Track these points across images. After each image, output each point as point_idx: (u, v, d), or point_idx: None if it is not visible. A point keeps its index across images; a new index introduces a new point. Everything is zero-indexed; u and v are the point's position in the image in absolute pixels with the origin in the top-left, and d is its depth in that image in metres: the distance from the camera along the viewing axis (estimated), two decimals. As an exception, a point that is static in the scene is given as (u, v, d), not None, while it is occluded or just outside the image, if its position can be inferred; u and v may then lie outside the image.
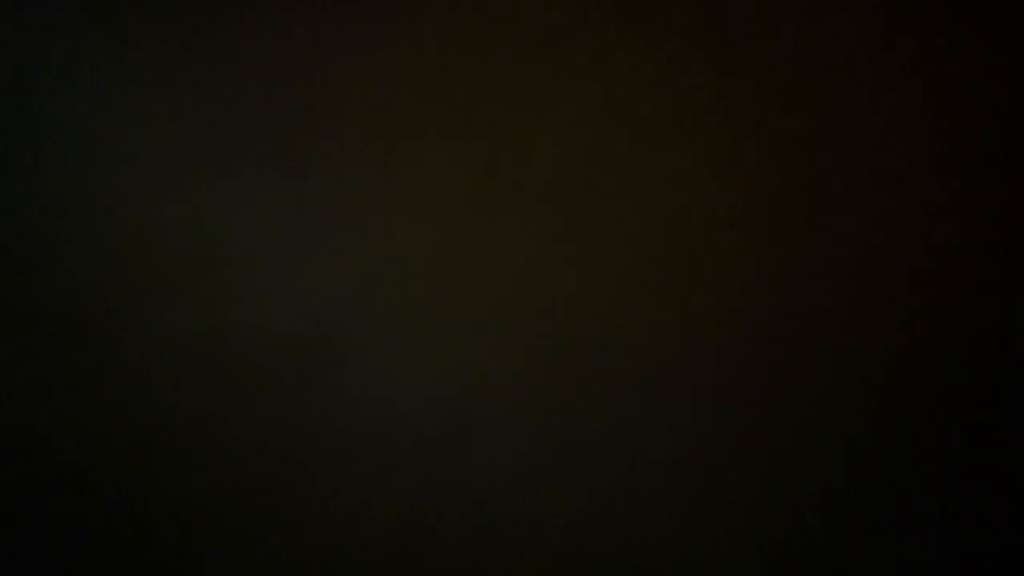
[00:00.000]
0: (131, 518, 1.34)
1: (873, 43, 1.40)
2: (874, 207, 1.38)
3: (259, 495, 1.34)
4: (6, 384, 1.36)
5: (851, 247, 1.37)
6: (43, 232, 1.38)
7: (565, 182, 1.38)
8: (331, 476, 1.35)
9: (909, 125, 1.39)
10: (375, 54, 1.41)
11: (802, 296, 1.37)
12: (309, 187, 1.38)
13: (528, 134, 1.39)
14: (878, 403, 1.35)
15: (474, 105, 1.40)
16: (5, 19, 1.41)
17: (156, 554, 1.34)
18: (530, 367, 1.36)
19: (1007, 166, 1.38)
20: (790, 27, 1.40)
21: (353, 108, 1.40)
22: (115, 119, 1.40)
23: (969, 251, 1.37)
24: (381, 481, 1.35)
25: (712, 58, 1.40)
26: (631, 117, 1.39)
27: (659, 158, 1.39)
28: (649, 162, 1.39)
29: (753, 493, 1.34)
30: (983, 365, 1.36)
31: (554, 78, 1.40)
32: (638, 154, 1.39)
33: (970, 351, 1.36)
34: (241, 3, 1.41)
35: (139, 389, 1.36)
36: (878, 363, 1.36)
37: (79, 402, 1.36)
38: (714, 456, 1.35)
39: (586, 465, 1.35)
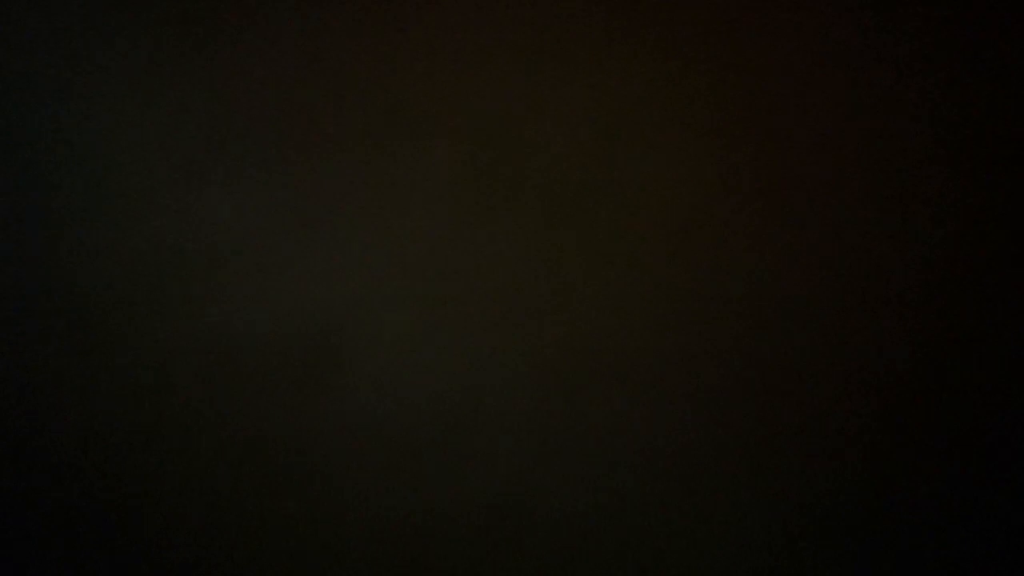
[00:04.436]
0: (132, 517, 1.34)
1: (873, 43, 1.40)
2: (875, 207, 1.38)
3: (260, 494, 1.34)
4: (7, 385, 1.36)
5: (852, 248, 1.37)
6: (43, 234, 1.38)
7: (564, 182, 1.38)
8: (331, 475, 1.35)
9: (909, 125, 1.39)
10: (374, 55, 1.41)
11: (803, 296, 1.37)
12: (309, 188, 1.38)
13: (527, 135, 1.39)
14: (878, 403, 1.35)
15: (473, 106, 1.39)
16: (5, 19, 1.41)
17: (157, 554, 1.34)
18: (530, 367, 1.36)
19: (1007, 166, 1.38)
20: (790, 28, 1.40)
21: (352, 110, 1.39)
22: (115, 121, 1.40)
23: (970, 251, 1.37)
24: (381, 480, 1.35)
25: (712, 59, 1.40)
26: (631, 118, 1.39)
27: (659, 159, 1.39)
28: (649, 162, 1.39)
29: (753, 493, 1.34)
30: (984, 365, 1.35)
31: (554, 79, 1.40)
32: (638, 154, 1.39)
33: (971, 351, 1.36)
34: (241, 5, 1.41)
35: (139, 390, 1.36)
36: (878, 363, 1.36)
37: (79, 403, 1.36)
38: (714, 456, 1.35)
39: (586, 465, 1.35)
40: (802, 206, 1.38)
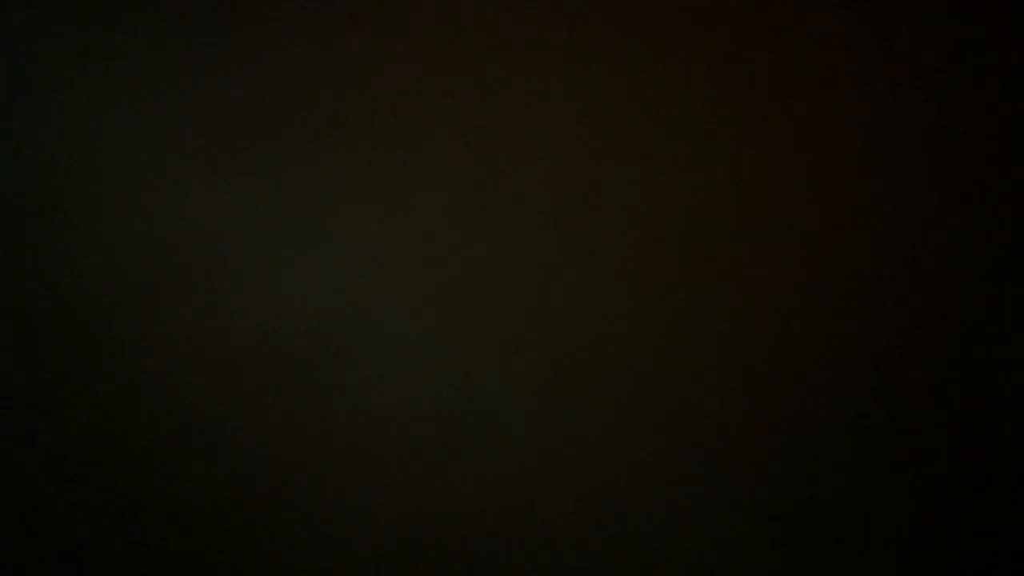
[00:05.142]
0: (132, 518, 1.34)
1: (873, 43, 1.40)
2: (874, 207, 1.38)
3: (260, 495, 1.34)
4: (7, 386, 1.36)
5: (851, 248, 1.37)
6: (44, 235, 1.38)
7: (565, 182, 1.38)
8: (332, 476, 1.35)
9: (909, 124, 1.39)
10: (375, 56, 1.41)
11: (802, 296, 1.37)
12: (310, 189, 1.38)
13: (527, 135, 1.39)
14: (878, 403, 1.35)
15: (475, 106, 1.40)
16: (5, 19, 1.41)
17: (157, 554, 1.34)
18: (531, 367, 1.36)
19: (1007, 166, 1.38)
20: (789, 27, 1.40)
21: (353, 110, 1.40)
22: (116, 121, 1.40)
23: (969, 251, 1.37)
24: (382, 481, 1.35)
25: (711, 59, 1.40)
26: (630, 118, 1.39)
27: (659, 159, 1.39)
28: (649, 162, 1.39)
29: (753, 493, 1.34)
30: (984, 365, 1.35)
31: (556, 79, 1.40)
32: (638, 155, 1.39)
33: (971, 351, 1.36)
34: (241, 6, 1.41)
35: (140, 390, 1.36)
36: (878, 363, 1.36)
37: (80, 403, 1.36)
38: (714, 456, 1.35)
39: (589, 466, 1.35)
40: (805, 207, 1.38)
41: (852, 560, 1.34)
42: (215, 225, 1.38)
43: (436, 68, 1.40)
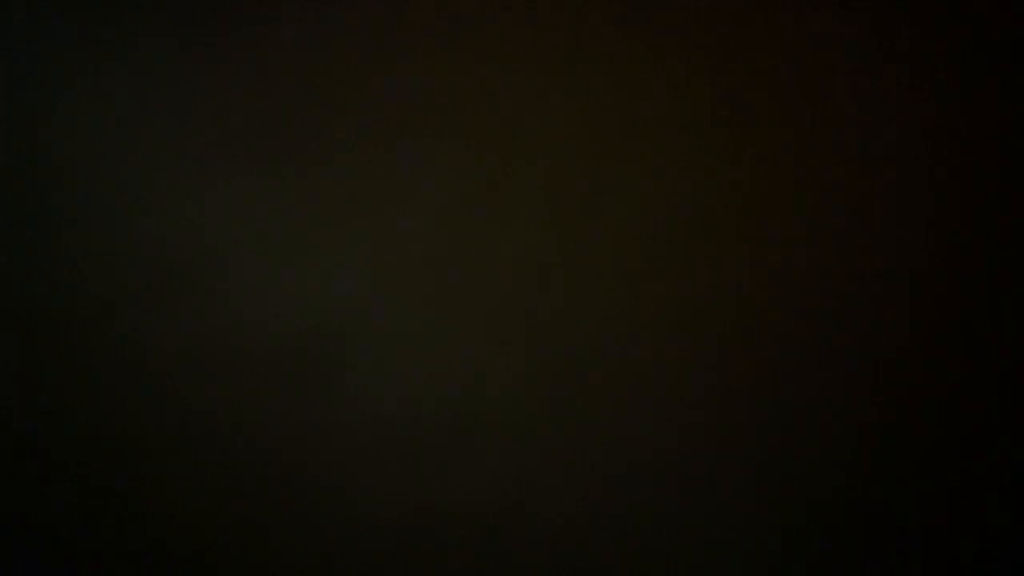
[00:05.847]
0: (132, 518, 1.34)
1: (873, 43, 1.40)
2: (874, 207, 1.38)
3: (260, 496, 1.34)
4: (7, 386, 1.36)
5: (850, 248, 1.37)
6: (44, 235, 1.38)
7: (565, 182, 1.38)
8: (332, 476, 1.35)
9: (909, 124, 1.39)
10: (375, 56, 1.41)
11: (801, 297, 1.37)
12: (311, 189, 1.38)
13: (527, 135, 1.39)
14: (877, 404, 1.35)
15: (476, 106, 1.40)
16: (5, 19, 1.41)
17: (156, 554, 1.34)
18: (532, 369, 1.36)
19: (1007, 166, 1.38)
20: (789, 27, 1.40)
21: (353, 110, 1.40)
22: (116, 121, 1.40)
23: (969, 251, 1.37)
24: (382, 481, 1.35)
25: (711, 59, 1.40)
26: (630, 118, 1.39)
27: (659, 159, 1.39)
28: (649, 162, 1.39)
29: (753, 494, 1.34)
30: (983, 366, 1.35)
31: (559, 79, 1.40)
32: (638, 155, 1.39)
33: (970, 352, 1.36)
34: (241, 6, 1.41)
35: (140, 390, 1.36)
36: (878, 363, 1.36)
37: (79, 403, 1.36)
38: (714, 457, 1.35)
39: (590, 467, 1.35)
40: (806, 207, 1.38)
41: (852, 560, 1.33)
42: (215, 225, 1.38)
43: (436, 68, 1.40)
